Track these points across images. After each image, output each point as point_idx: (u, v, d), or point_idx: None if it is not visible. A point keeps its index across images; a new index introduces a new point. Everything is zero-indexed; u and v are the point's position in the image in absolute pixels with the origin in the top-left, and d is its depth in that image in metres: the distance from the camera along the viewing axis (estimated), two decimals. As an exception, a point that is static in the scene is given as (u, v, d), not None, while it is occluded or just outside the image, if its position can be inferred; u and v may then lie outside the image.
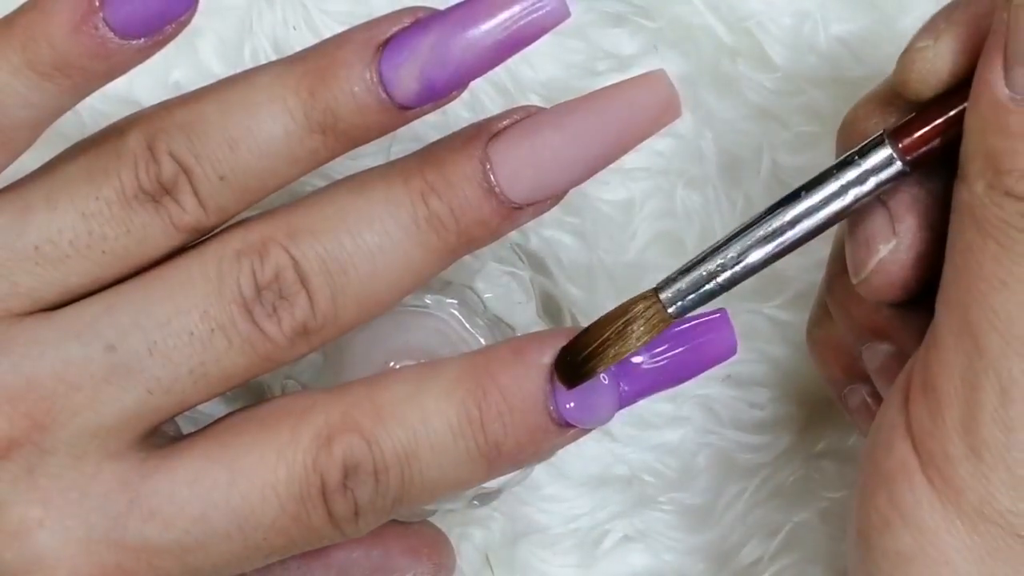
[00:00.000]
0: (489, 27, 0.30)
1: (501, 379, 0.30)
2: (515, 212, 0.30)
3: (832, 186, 0.30)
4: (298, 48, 0.32)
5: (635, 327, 0.30)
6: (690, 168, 0.41)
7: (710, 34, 0.40)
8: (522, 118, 0.31)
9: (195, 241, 0.30)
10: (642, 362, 0.31)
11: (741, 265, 0.30)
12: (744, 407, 0.41)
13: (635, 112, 0.30)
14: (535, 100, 0.41)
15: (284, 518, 0.29)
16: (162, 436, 0.31)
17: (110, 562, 0.29)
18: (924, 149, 0.30)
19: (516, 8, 0.30)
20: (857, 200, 0.30)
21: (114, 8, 0.28)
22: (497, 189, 0.30)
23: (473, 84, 0.40)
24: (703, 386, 0.41)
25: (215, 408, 0.34)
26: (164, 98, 0.40)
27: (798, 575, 0.41)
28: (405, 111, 0.30)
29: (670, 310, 0.30)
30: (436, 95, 0.30)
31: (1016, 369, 0.28)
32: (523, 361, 0.30)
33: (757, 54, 0.40)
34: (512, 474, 0.37)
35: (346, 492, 0.29)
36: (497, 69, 0.41)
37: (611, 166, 0.41)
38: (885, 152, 0.30)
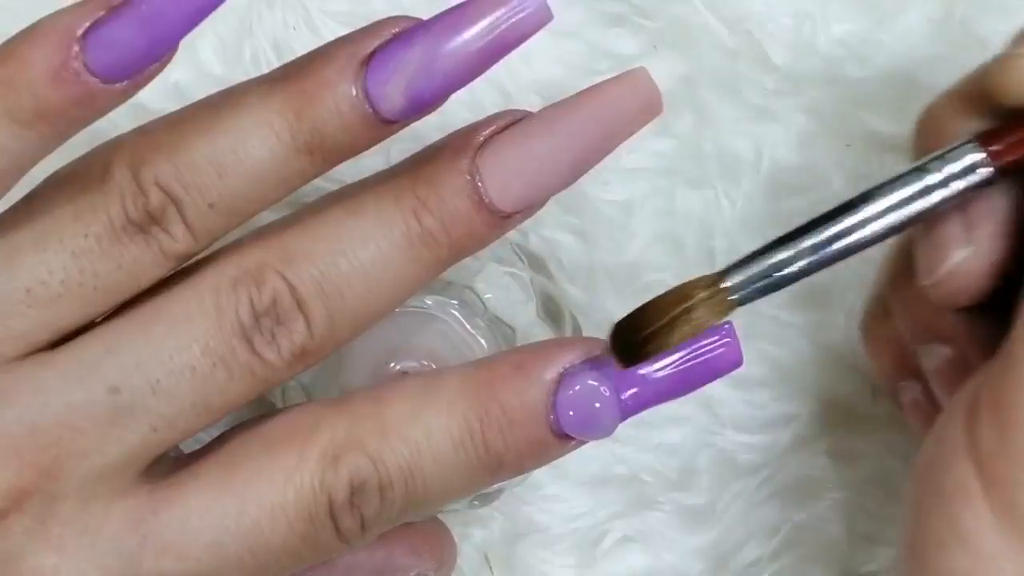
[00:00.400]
0: (472, 35, 0.29)
1: (502, 395, 0.30)
2: (504, 220, 0.30)
3: (916, 186, 0.29)
4: (298, 49, 0.32)
5: (697, 313, 0.29)
6: (690, 168, 0.41)
7: (710, 34, 0.40)
8: (508, 124, 0.31)
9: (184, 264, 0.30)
10: (646, 374, 0.31)
11: (815, 257, 0.29)
12: (745, 407, 0.41)
13: (619, 113, 0.30)
14: (535, 100, 0.41)
15: (294, 538, 0.30)
16: (165, 461, 0.31)
17: None
18: (1016, 157, 0.29)
19: (500, 12, 0.29)
20: (941, 203, 0.29)
21: (96, 54, 0.28)
22: (487, 200, 0.30)
23: (473, 84, 0.41)
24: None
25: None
26: (163, 98, 0.40)
27: (798, 575, 0.41)
28: (392, 124, 0.30)
29: (733, 297, 0.29)
30: (423, 107, 0.30)
31: None
32: (525, 377, 0.30)
33: (757, 54, 0.40)
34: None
35: (353, 509, 0.30)
36: (497, 69, 0.41)
37: (611, 166, 0.41)
38: (975, 156, 0.29)
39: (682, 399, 0.41)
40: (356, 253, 0.30)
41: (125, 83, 0.28)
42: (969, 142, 0.29)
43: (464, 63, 0.30)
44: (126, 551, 0.29)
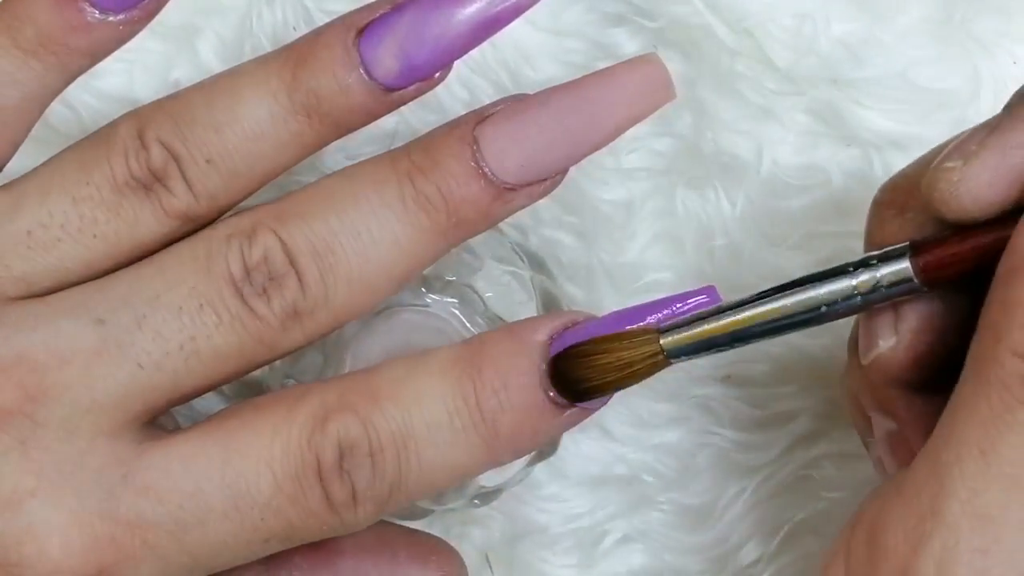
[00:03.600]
0: (465, 6, 0.30)
1: (495, 356, 0.30)
2: (507, 192, 0.31)
3: (844, 284, 0.30)
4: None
5: (636, 370, 0.30)
6: (690, 168, 0.41)
7: (710, 34, 0.40)
8: (512, 104, 0.31)
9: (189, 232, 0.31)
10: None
11: (744, 335, 0.30)
12: (744, 407, 0.41)
13: (624, 91, 0.31)
14: (535, 100, 0.41)
15: (280, 497, 0.30)
16: (159, 428, 0.31)
17: (103, 534, 0.29)
18: (944, 273, 0.29)
19: None
20: (867, 305, 0.30)
21: None
22: (485, 167, 0.30)
23: (474, 84, 0.41)
24: (703, 386, 0.41)
25: (216, 406, 0.34)
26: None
27: (798, 575, 0.41)
28: (388, 93, 0.31)
29: (671, 359, 0.30)
30: (416, 74, 0.30)
31: (963, 544, 0.27)
32: (517, 339, 0.30)
33: (757, 54, 0.40)
34: (513, 473, 0.37)
35: (343, 475, 0.29)
36: (497, 69, 0.41)
37: (611, 166, 0.41)
38: (904, 265, 0.29)
39: (681, 399, 0.41)
40: (347, 211, 0.30)
41: (121, 16, 0.30)
42: (903, 250, 0.30)
43: (456, 32, 0.30)
44: (106, 485, 0.29)
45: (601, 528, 0.41)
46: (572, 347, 0.30)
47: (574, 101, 0.31)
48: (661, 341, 0.30)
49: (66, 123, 0.41)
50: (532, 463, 0.38)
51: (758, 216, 0.41)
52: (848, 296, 0.30)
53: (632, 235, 0.41)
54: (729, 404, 0.41)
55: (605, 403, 0.31)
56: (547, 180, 0.31)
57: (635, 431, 0.42)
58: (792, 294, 0.30)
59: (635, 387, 0.41)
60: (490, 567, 0.41)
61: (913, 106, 0.40)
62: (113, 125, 0.31)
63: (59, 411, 0.29)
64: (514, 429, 0.30)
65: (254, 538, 0.30)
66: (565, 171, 0.31)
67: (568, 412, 0.30)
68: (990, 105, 0.40)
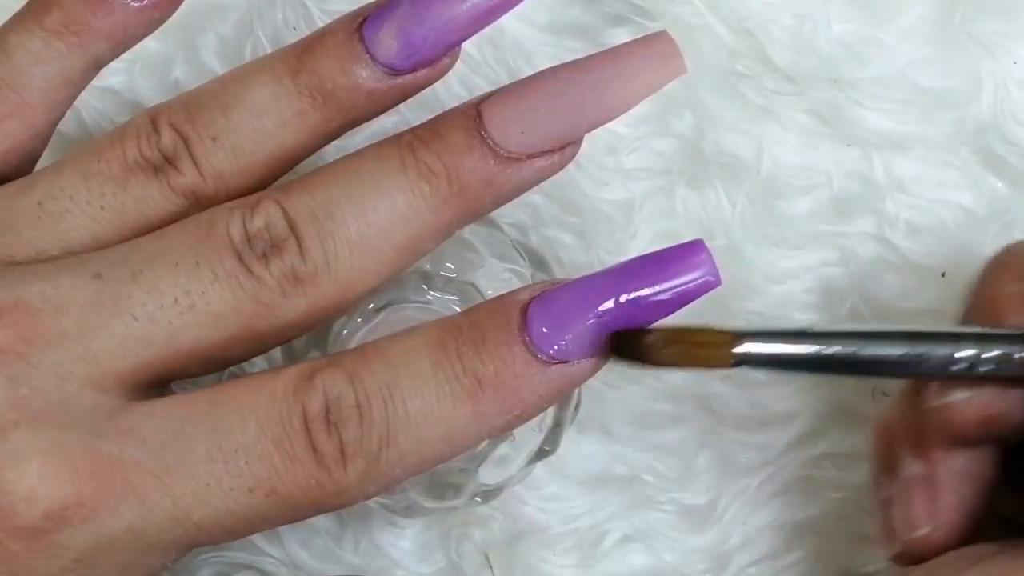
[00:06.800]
0: None
1: (474, 316, 0.31)
2: (511, 162, 0.31)
3: (949, 352, 0.29)
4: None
5: (700, 367, 0.29)
6: (690, 168, 0.41)
7: (710, 34, 0.41)
8: (519, 80, 0.32)
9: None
10: (624, 301, 0.30)
11: (823, 363, 0.30)
12: (744, 406, 0.41)
13: (632, 62, 0.31)
14: (535, 100, 0.41)
15: (265, 441, 0.30)
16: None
17: (83, 468, 0.29)
18: None
19: None
20: (960, 376, 0.30)
21: None
22: (486, 134, 0.31)
23: (473, 84, 0.41)
24: (703, 385, 0.41)
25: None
26: (165, 98, 0.40)
27: (798, 575, 0.41)
28: (392, 76, 0.31)
29: (734, 363, 0.29)
30: (417, 54, 0.31)
31: None
32: (497, 301, 0.31)
33: (757, 54, 0.41)
34: (514, 470, 0.37)
35: (330, 427, 0.30)
36: (496, 68, 0.41)
37: (611, 166, 0.41)
38: (1016, 350, 0.29)
39: (682, 399, 0.41)
40: (349, 180, 0.31)
41: (143, 2, 0.32)
42: (1019, 339, 0.29)
43: (456, 11, 0.31)
44: (89, 424, 0.29)
45: (601, 528, 0.41)
46: (641, 331, 0.30)
47: (580, 72, 0.31)
48: (734, 350, 0.29)
49: (66, 123, 0.40)
50: (532, 461, 0.38)
51: (758, 216, 0.41)
52: (949, 363, 0.29)
53: (632, 235, 0.41)
54: (729, 404, 0.41)
55: (599, 367, 0.30)
56: (555, 153, 0.31)
57: (635, 431, 0.42)
58: (894, 344, 0.29)
59: (635, 387, 0.41)
60: (490, 567, 0.41)
61: (913, 106, 0.40)
62: (131, 118, 0.32)
63: (52, 356, 0.29)
64: (496, 382, 0.30)
65: (238, 485, 0.30)
66: (575, 143, 0.31)
67: (553, 367, 0.30)
68: (990, 105, 0.40)
